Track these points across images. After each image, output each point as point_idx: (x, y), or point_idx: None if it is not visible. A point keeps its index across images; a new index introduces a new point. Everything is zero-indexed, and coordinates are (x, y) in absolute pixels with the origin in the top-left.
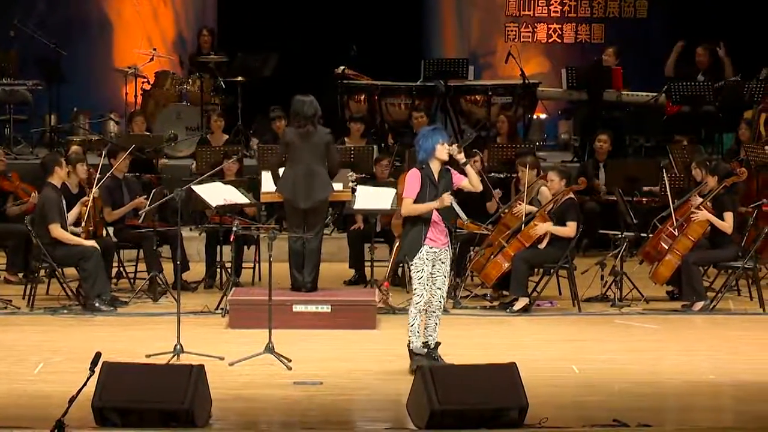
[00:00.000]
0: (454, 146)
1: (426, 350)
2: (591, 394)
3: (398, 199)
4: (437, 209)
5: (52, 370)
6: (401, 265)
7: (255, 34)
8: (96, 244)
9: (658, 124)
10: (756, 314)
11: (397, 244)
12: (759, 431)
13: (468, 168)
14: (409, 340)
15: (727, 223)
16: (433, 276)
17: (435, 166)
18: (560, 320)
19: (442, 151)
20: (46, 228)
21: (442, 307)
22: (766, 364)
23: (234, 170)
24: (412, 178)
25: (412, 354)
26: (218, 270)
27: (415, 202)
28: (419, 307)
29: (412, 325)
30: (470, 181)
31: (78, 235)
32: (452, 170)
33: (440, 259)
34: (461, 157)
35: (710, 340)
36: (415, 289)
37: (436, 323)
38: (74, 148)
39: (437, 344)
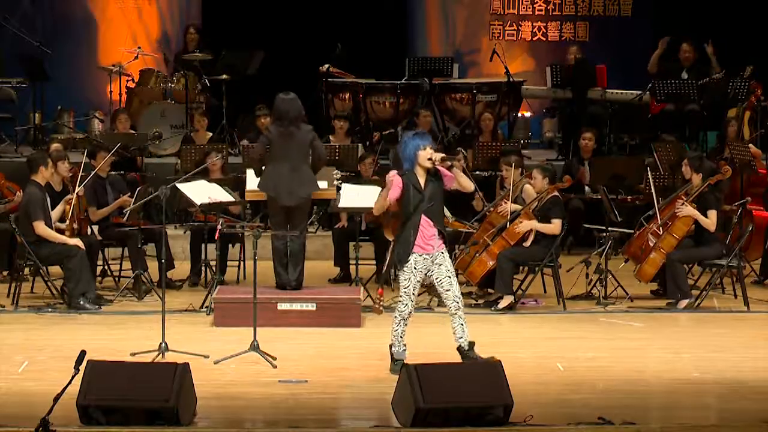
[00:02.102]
0: (438, 156)
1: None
2: (576, 392)
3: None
4: (425, 213)
5: (37, 368)
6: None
7: (240, 32)
8: (80, 243)
9: (642, 122)
10: (740, 312)
11: (391, 248)
12: (743, 429)
13: (455, 170)
14: (391, 343)
15: (710, 221)
16: (438, 281)
17: (420, 172)
18: (545, 318)
19: (424, 157)
20: (31, 226)
21: (460, 306)
22: (751, 362)
23: (218, 167)
24: (395, 183)
25: (393, 358)
26: (203, 268)
27: (400, 205)
28: (404, 315)
29: (395, 332)
30: (459, 183)
31: (62, 232)
32: (443, 172)
33: (436, 263)
34: (446, 165)
35: (695, 338)
36: (401, 298)
37: (461, 324)
38: (55, 145)
39: (471, 344)
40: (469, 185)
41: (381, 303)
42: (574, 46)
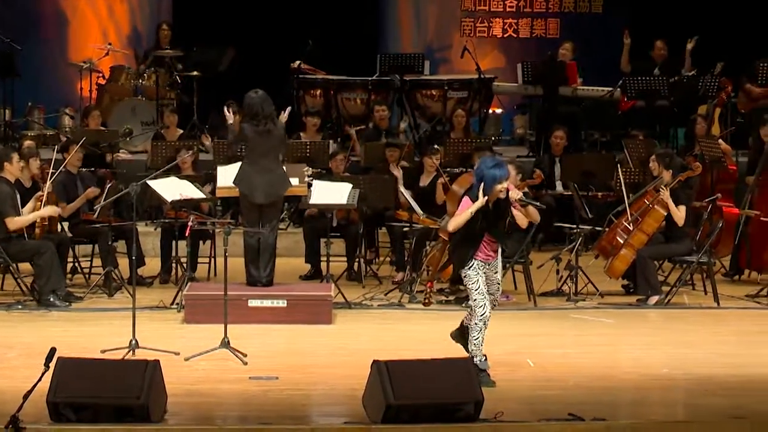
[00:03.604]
0: (516, 196)
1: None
2: (546, 388)
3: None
4: (489, 232)
5: (7, 365)
6: (358, 260)
7: (211, 28)
8: (54, 210)
9: (613, 118)
10: (710, 308)
11: (450, 249)
12: (712, 425)
13: (530, 208)
14: (473, 353)
15: (680, 215)
16: (488, 286)
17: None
18: (516, 315)
19: (499, 190)
20: (2, 222)
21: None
22: (720, 358)
23: (189, 164)
24: (466, 203)
25: (479, 370)
26: (174, 265)
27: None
28: (486, 319)
29: (476, 339)
30: (530, 216)
31: (33, 230)
32: (510, 189)
33: (493, 270)
34: (520, 200)
35: (665, 335)
36: (474, 300)
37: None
38: (27, 143)
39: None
40: (536, 219)
41: (432, 294)
42: (568, 43)
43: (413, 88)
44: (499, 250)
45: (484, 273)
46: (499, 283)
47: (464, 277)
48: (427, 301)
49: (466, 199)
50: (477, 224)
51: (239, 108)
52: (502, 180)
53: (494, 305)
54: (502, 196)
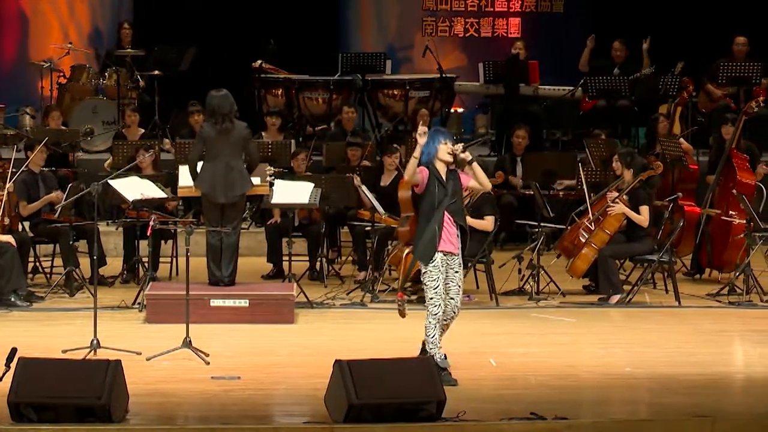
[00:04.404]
0: (459, 145)
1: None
2: (508, 388)
3: (401, 205)
4: (448, 210)
5: None
6: (320, 259)
7: (172, 28)
8: (12, 239)
9: (574, 118)
10: (671, 307)
11: (407, 251)
12: (674, 423)
13: (475, 165)
14: (430, 351)
15: (643, 217)
16: (447, 286)
17: (441, 167)
18: (478, 314)
19: (444, 151)
20: None
21: (454, 317)
22: (682, 357)
23: (148, 164)
24: (422, 173)
25: (439, 368)
26: (135, 265)
27: (422, 200)
28: (438, 318)
29: (432, 338)
30: (478, 179)
31: None
32: (459, 172)
33: (453, 268)
34: (467, 155)
35: (626, 333)
36: (431, 299)
37: (442, 331)
38: None
39: (425, 351)
40: (487, 183)
41: (404, 304)
42: (520, 42)
43: (375, 88)
44: (460, 245)
45: (446, 270)
46: (460, 286)
47: (424, 273)
48: (402, 311)
49: (422, 168)
50: (434, 200)
51: (202, 108)
52: (446, 141)
53: (455, 312)
54: (449, 157)
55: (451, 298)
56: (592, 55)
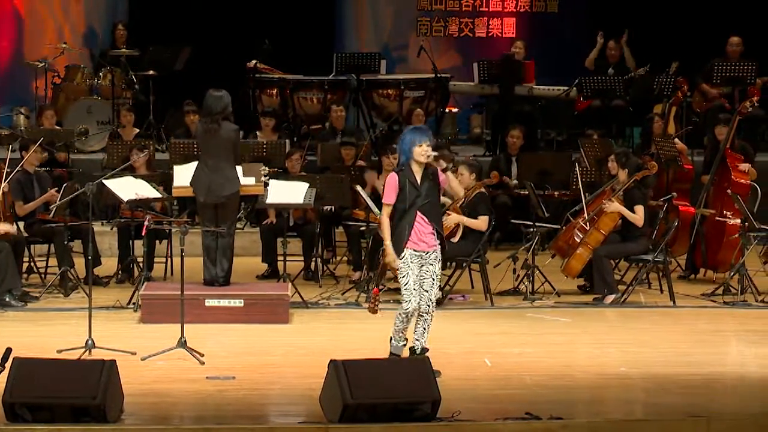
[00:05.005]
0: (432, 154)
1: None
2: (503, 388)
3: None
4: (420, 210)
5: None
6: (315, 259)
7: (167, 27)
8: (10, 228)
9: (569, 118)
10: (666, 307)
11: (382, 251)
12: (669, 423)
13: (449, 174)
14: (391, 337)
15: (638, 216)
16: (421, 279)
17: (416, 168)
18: (473, 314)
19: (420, 153)
20: None
21: (430, 311)
22: (676, 357)
23: (142, 163)
24: (389, 183)
25: (390, 352)
26: (130, 265)
27: (396, 205)
28: (408, 313)
29: (397, 327)
30: (450, 186)
31: None
32: (439, 170)
33: (428, 262)
34: (441, 164)
35: (621, 333)
36: (402, 295)
37: (424, 328)
38: None
39: (424, 350)
40: (459, 192)
41: (377, 302)
42: (520, 42)
43: (370, 88)
44: (437, 242)
45: (418, 265)
46: (434, 279)
47: (398, 269)
48: (373, 308)
49: (390, 175)
50: (407, 200)
51: (198, 108)
52: (421, 142)
53: (429, 305)
54: (424, 159)
55: (425, 291)
56: (599, 54)
